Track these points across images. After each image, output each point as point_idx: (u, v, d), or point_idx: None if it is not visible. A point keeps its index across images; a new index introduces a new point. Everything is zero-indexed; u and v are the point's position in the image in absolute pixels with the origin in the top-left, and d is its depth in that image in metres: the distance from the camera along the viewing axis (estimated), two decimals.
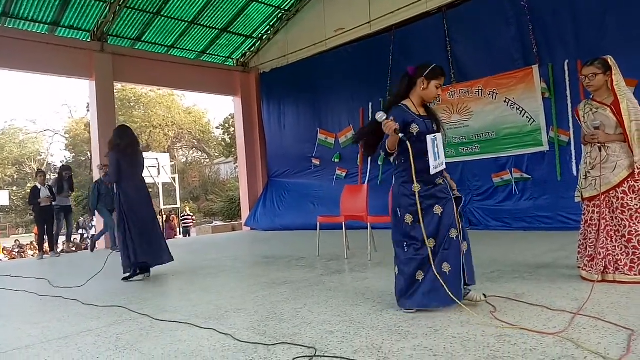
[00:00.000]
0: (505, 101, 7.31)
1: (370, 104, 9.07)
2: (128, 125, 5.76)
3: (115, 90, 10.71)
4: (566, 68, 6.60)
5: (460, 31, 7.80)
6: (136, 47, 10.34)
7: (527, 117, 7.09)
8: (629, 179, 3.06)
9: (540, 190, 6.91)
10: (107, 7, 8.99)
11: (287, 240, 7.98)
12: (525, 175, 7.12)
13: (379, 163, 8.93)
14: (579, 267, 3.33)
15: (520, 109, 7.16)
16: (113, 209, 7.64)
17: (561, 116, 6.73)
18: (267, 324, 2.68)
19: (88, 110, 22.52)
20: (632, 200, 3.06)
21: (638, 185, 3.06)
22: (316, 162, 10.25)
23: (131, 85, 22.21)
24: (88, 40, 9.44)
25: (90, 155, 12.21)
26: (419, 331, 2.34)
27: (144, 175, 5.09)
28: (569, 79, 6.59)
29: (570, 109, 6.56)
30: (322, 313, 2.84)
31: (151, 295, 3.85)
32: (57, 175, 8.61)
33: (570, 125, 6.60)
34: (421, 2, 8.19)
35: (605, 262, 3.10)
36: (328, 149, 9.94)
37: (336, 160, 9.78)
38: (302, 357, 2.08)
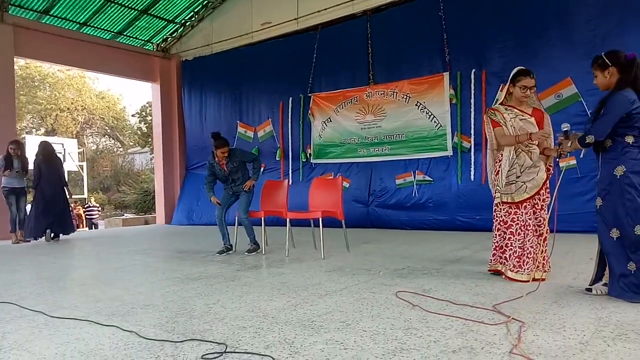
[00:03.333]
0: (416, 105, 7.68)
1: (291, 98, 9.08)
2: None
3: (16, 67, 9.69)
4: (472, 77, 7.07)
5: (381, 35, 8.06)
6: (43, 21, 9.44)
7: (435, 121, 7.50)
8: (546, 181, 3.33)
9: (440, 193, 7.32)
10: None
11: (204, 235, 7.74)
12: (427, 178, 7.51)
13: (302, 160, 8.97)
14: (492, 269, 3.49)
15: (430, 114, 7.55)
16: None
17: (465, 122, 7.19)
18: (177, 320, 2.57)
19: None
20: (547, 199, 3.34)
21: (547, 185, 3.35)
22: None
23: (36, 62, 20.25)
24: None
25: None
26: (332, 325, 2.37)
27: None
28: (474, 87, 7.06)
29: (473, 116, 7.05)
30: (236, 308, 2.78)
31: (47, 290, 3.53)
32: (5, 152, 7.26)
33: (472, 132, 7.08)
34: (348, 4, 8.34)
35: (534, 261, 3.24)
36: (247, 142, 9.79)
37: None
38: (211, 353, 2.01)
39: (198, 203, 10.40)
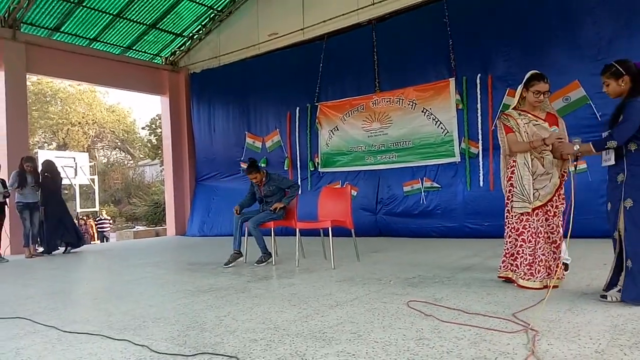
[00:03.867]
0: (423, 111, 7.67)
1: (298, 108, 9.13)
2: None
3: (29, 83, 9.88)
4: (478, 82, 7.04)
5: (387, 43, 8.09)
6: (54, 38, 9.62)
7: (441, 127, 7.48)
8: (560, 187, 3.30)
9: (448, 200, 7.27)
10: None
11: (214, 247, 7.76)
12: (435, 185, 7.46)
13: (310, 169, 8.99)
14: (503, 275, 3.46)
15: (436, 120, 7.53)
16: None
17: (472, 128, 7.15)
18: (188, 333, 2.57)
19: None
20: (561, 204, 3.30)
21: (562, 191, 3.31)
22: (244, 166, 10.07)
23: (47, 79, 20.61)
24: None
25: None
26: (343, 337, 2.36)
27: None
28: (480, 92, 7.03)
29: (480, 121, 7.02)
30: (247, 321, 2.78)
31: (60, 305, 3.56)
32: (17, 168, 7.36)
33: (480, 137, 7.04)
34: (353, 13, 8.39)
35: (545, 268, 3.23)
36: (255, 153, 9.84)
37: (263, 165, 9.71)
38: None
39: (209, 215, 10.45)
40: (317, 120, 8.89)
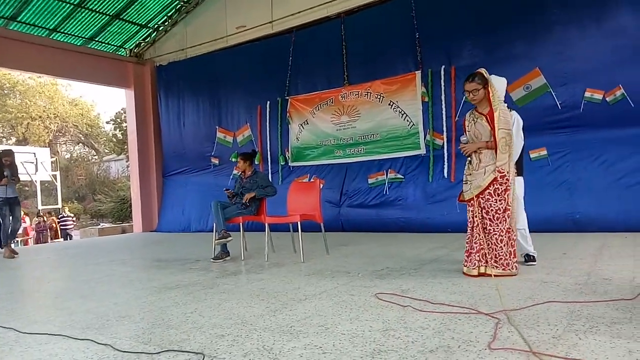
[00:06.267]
0: (389, 104, 7.74)
1: (268, 102, 9.07)
2: None
3: None
4: (442, 73, 7.15)
5: (355, 36, 8.11)
6: (10, 28, 9.20)
7: (407, 120, 7.57)
8: (494, 182, 3.41)
9: (411, 191, 7.36)
10: None
11: (183, 243, 7.65)
12: (399, 176, 7.56)
13: (280, 163, 8.95)
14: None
15: (403, 113, 7.62)
16: None
17: (437, 120, 7.26)
18: (153, 331, 2.53)
19: None
20: (495, 202, 3.41)
21: (502, 188, 3.41)
22: (215, 161, 9.98)
23: (5, 70, 19.73)
24: None
25: None
26: (311, 330, 2.37)
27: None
28: (444, 83, 7.15)
29: (444, 113, 7.14)
30: (214, 316, 2.75)
31: (19, 306, 3.44)
32: None
33: (444, 128, 7.15)
34: (322, 6, 8.36)
35: (478, 256, 3.43)
36: (227, 147, 9.74)
37: (234, 160, 9.60)
38: None
39: (183, 211, 10.26)
40: (287, 114, 8.85)
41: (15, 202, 6.93)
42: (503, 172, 3.39)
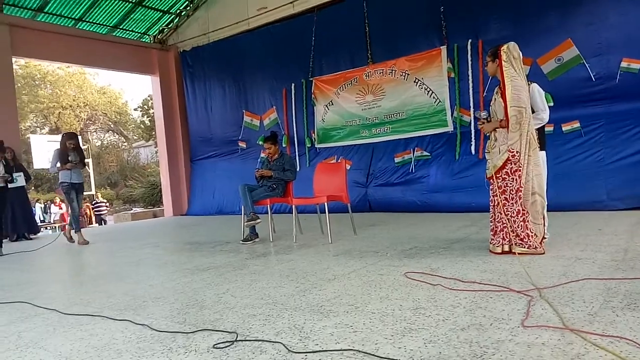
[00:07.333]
0: (415, 81, 7.58)
1: (293, 84, 9.03)
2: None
3: (16, 67, 9.69)
4: (469, 47, 6.93)
5: (378, 13, 7.93)
6: (38, 19, 9.40)
7: (434, 97, 7.41)
8: (508, 162, 3.34)
9: (439, 168, 7.20)
10: None
11: (213, 226, 7.80)
12: (425, 154, 7.43)
13: (307, 145, 8.95)
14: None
15: (428, 90, 7.45)
16: None
17: (464, 96, 7.07)
18: (187, 311, 2.60)
19: None
20: (510, 182, 3.34)
21: (515, 167, 3.33)
22: (243, 144, 10.06)
23: (34, 61, 20.25)
24: None
25: None
26: (341, 309, 2.39)
27: None
28: (471, 58, 6.93)
29: (471, 88, 6.95)
30: (245, 297, 2.80)
31: (60, 288, 3.59)
32: (59, 146, 6.53)
33: (471, 105, 6.96)
34: None
35: (502, 234, 3.38)
36: (254, 131, 9.78)
37: (261, 143, 9.64)
38: (222, 342, 2.03)
39: (214, 195, 10.41)
40: (313, 96, 8.80)
41: (80, 189, 6.57)
42: (513, 152, 3.32)
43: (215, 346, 2.00)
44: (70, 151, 6.46)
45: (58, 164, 6.36)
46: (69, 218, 6.97)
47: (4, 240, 6.29)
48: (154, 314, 2.59)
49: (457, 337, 1.88)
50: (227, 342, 2.04)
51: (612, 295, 2.27)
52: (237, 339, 2.06)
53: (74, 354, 2.07)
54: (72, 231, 6.62)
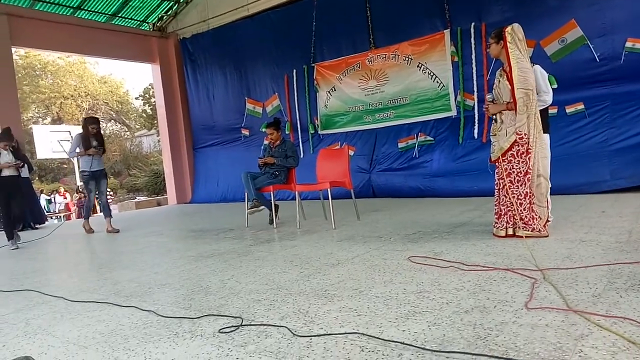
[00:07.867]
0: (418, 66, 7.53)
1: (295, 70, 8.97)
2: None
3: (16, 57, 9.66)
4: (472, 31, 6.86)
5: None
6: (36, 8, 9.34)
7: (437, 81, 7.36)
8: (515, 144, 3.32)
9: (443, 153, 7.19)
10: None
11: (217, 214, 7.82)
12: (429, 138, 7.40)
13: (310, 131, 8.92)
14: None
15: (432, 74, 7.40)
16: None
17: (467, 79, 7.02)
18: (193, 297, 2.62)
19: None
20: (517, 164, 3.33)
21: (522, 149, 3.31)
22: (246, 132, 10.04)
23: (33, 51, 20.18)
24: None
25: None
26: (344, 293, 2.40)
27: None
28: (474, 42, 6.86)
29: (475, 72, 6.89)
30: (250, 282, 2.82)
31: (67, 276, 3.62)
32: (81, 130, 6.29)
33: (475, 89, 6.92)
34: None
35: (506, 218, 3.38)
36: (257, 118, 9.75)
37: (264, 130, 9.62)
38: (228, 327, 2.05)
39: (218, 182, 10.42)
40: (315, 82, 8.75)
41: (102, 175, 6.29)
42: (521, 134, 3.29)
43: (221, 331, 2.02)
44: (92, 136, 6.16)
45: (78, 149, 6.08)
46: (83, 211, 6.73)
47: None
48: (160, 300, 2.61)
49: (460, 320, 1.88)
50: (232, 326, 2.05)
51: (616, 276, 2.27)
52: (243, 323, 2.08)
53: (82, 340, 2.09)
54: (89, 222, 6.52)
